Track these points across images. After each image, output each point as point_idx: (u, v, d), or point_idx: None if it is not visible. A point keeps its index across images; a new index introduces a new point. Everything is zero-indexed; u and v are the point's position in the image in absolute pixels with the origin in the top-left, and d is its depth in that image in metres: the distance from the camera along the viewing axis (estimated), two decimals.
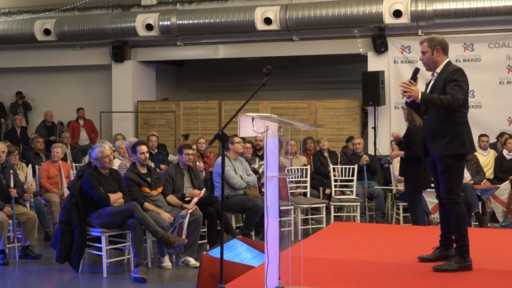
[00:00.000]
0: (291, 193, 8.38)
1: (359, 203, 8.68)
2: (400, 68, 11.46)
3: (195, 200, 6.85)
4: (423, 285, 4.23)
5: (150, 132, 11.22)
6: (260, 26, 11.59)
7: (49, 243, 6.85)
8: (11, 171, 6.96)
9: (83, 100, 13.66)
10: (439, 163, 4.54)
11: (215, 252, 4.54)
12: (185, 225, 6.56)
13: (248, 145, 8.76)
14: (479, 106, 10.75)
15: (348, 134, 11.41)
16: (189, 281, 5.93)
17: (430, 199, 7.96)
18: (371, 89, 11.10)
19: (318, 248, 5.35)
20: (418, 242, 5.55)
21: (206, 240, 7.13)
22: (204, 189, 7.15)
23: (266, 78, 4.12)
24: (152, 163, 8.03)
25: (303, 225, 8.36)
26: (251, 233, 7.50)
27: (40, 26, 12.90)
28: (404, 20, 10.93)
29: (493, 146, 10.17)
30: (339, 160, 9.40)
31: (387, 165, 9.07)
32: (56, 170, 8.34)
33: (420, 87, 4.53)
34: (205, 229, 7.14)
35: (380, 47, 11.45)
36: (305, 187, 8.64)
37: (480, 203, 8.34)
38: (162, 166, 9.36)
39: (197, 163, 8.86)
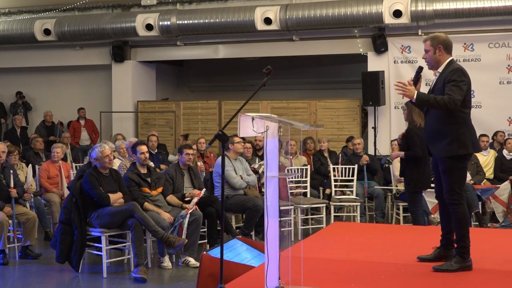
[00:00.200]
0: (291, 193, 8.38)
1: (359, 203, 8.68)
2: (400, 68, 11.46)
3: (195, 200, 6.85)
4: (423, 285, 4.23)
5: (150, 132, 11.23)
6: (260, 26, 11.59)
7: (49, 243, 6.85)
8: (11, 171, 6.96)
9: (83, 100, 13.66)
10: (440, 164, 4.53)
11: (215, 252, 4.53)
12: (185, 225, 6.56)
13: (248, 145, 8.76)
14: (479, 106, 10.75)
15: (348, 134, 11.41)
16: (189, 281, 5.93)
17: (430, 199, 7.96)
18: (371, 89, 11.10)
19: (318, 248, 5.35)
20: (418, 242, 5.55)
21: (206, 240, 7.13)
22: (204, 189, 7.15)
23: (266, 78, 4.12)
24: (152, 163, 8.03)
25: (303, 225, 8.36)
26: (251, 233, 7.50)
27: (40, 26, 12.89)
28: (404, 20, 10.93)
29: (492, 145, 10.18)
30: (339, 160, 9.40)
31: (387, 165, 9.07)
32: (56, 170, 8.34)
33: (423, 88, 4.52)
34: (205, 229, 7.14)
35: (380, 47, 11.45)
36: (305, 187, 8.64)
37: (480, 203, 8.35)
38: (162, 166, 9.36)
39: (198, 163, 8.85)
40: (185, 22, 12.08)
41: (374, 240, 5.73)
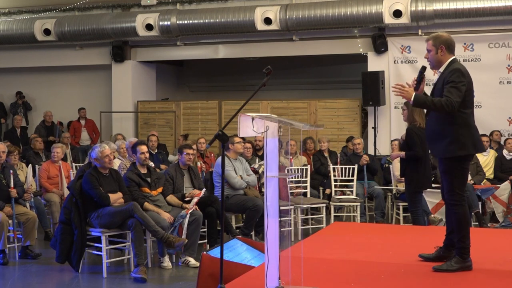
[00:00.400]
0: (291, 193, 8.38)
1: (359, 203, 8.68)
2: (400, 68, 11.47)
3: (195, 200, 6.85)
4: (423, 285, 4.23)
5: (150, 132, 11.23)
6: (260, 26, 11.59)
7: (49, 243, 6.85)
8: (11, 171, 6.96)
9: (83, 100, 13.66)
10: (440, 165, 4.54)
11: (215, 252, 4.53)
12: (185, 225, 6.56)
13: (248, 145, 8.76)
14: (479, 106, 10.74)
15: (348, 134, 11.41)
16: (189, 281, 5.93)
17: (430, 199, 7.97)
18: (371, 89, 11.10)
19: (318, 248, 5.35)
20: (418, 242, 5.55)
21: (206, 240, 7.13)
22: (204, 189, 7.15)
23: (266, 78, 4.12)
24: (152, 163, 8.03)
25: (303, 225, 8.36)
26: (251, 233, 7.50)
27: (40, 26, 12.89)
28: (404, 20, 10.93)
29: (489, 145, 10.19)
30: (339, 160, 9.40)
31: (387, 165, 9.07)
32: (56, 170, 8.34)
33: (427, 88, 4.51)
34: (205, 229, 7.14)
35: (380, 47, 11.45)
36: (305, 187, 8.64)
37: (480, 203, 8.34)
38: (162, 166, 9.36)
39: (198, 163, 8.85)
40: (185, 22, 12.09)
41: (374, 240, 5.73)
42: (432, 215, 7.77)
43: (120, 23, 12.48)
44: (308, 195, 8.66)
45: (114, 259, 6.68)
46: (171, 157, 10.56)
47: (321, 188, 9.57)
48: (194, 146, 9.07)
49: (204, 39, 12.67)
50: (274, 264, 3.87)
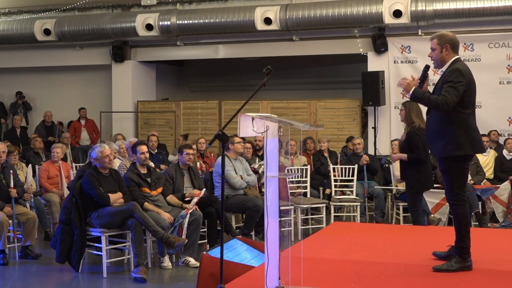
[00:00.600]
0: (291, 193, 8.38)
1: (359, 203, 8.68)
2: (400, 68, 11.46)
3: (195, 200, 6.85)
4: (423, 285, 4.23)
5: (150, 132, 11.23)
6: (260, 26, 11.59)
7: (49, 243, 6.85)
8: (11, 171, 6.96)
9: (83, 100, 13.66)
10: (439, 164, 4.56)
11: (215, 252, 4.53)
12: (185, 225, 6.56)
13: (248, 145, 8.76)
14: (479, 106, 10.74)
15: (348, 134, 11.41)
16: (189, 281, 5.93)
17: (430, 199, 7.97)
18: (371, 89, 11.10)
19: (318, 248, 5.35)
20: (418, 242, 5.56)
21: (206, 240, 7.13)
22: (204, 189, 7.15)
23: (266, 78, 4.12)
24: (152, 163, 8.03)
25: (303, 225, 8.36)
26: (251, 233, 7.50)
27: (40, 26, 12.90)
28: (404, 20, 10.93)
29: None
30: (339, 160, 9.40)
31: (387, 165, 9.07)
32: (56, 170, 8.34)
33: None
34: (205, 229, 7.14)
35: (380, 47, 11.45)
36: (305, 187, 8.64)
37: (480, 203, 8.35)
38: (162, 166, 9.36)
39: (198, 163, 8.85)
40: (185, 22, 12.09)
41: (374, 240, 5.73)
42: (432, 215, 7.77)
43: (120, 23, 12.48)
44: (308, 195, 8.66)
45: (114, 259, 6.68)
46: (171, 157, 10.56)
47: (321, 188, 9.57)
48: (194, 146, 9.07)
49: (204, 39, 12.67)
50: (274, 264, 3.87)
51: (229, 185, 7.52)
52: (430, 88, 4.69)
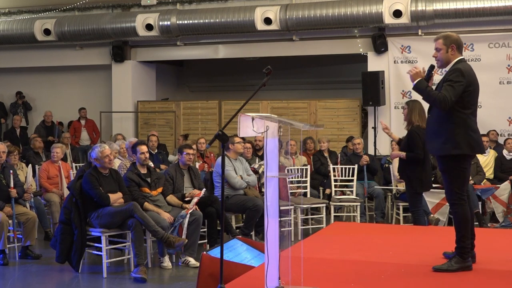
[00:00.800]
0: (291, 193, 8.38)
1: (359, 203, 8.68)
2: (400, 68, 11.46)
3: (195, 200, 6.85)
4: (423, 285, 4.23)
5: (150, 132, 11.23)
6: (260, 26, 11.59)
7: (49, 243, 6.85)
8: (11, 171, 6.96)
9: (83, 100, 13.66)
10: (438, 164, 4.59)
11: (215, 252, 4.54)
12: (185, 225, 6.56)
13: (248, 145, 8.76)
14: (479, 106, 10.50)
15: (348, 134, 11.41)
16: (189, 281, 5.93)
17: (430, 199, 7.97)
18: (371, 89, 11.10)
19: (318, 248, 5.35)
20: (418, 242, 5.56)
21: (206, 240, 7.13)
22: (204, 189, 7.15)
23: (266, 78, 4.12)
24: (152, 163, 8.03)
25: (303, 225, 8.36)
26: (251, 233, 7.50)
27: (40, 26, 12.90)
28: (404, 20, 10.94)
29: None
30: (339, 160, 9.40)
31: (387, 165, 9.07)
32: (56, 170, 8.34)
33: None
34: (205, 229, 7.14)
35: (380, 47, 11.45)
36: (305, 187, 8.64)
37: (480, 203, 8.35)
38: (162, 166, 9.36)
39: (197, 164, 8.85)
40: (185, 22, 12.09)
41: (374, 240, 5.73)
42: (432, 215, 7.76)
43: (120, 23, 12.48)
44: (308, 195, 8.66)
45: (114, 259, 6.68)
46: (171, 157, 10.56)
47: (321, 188, 9.57)
48: (194, 146, 9.07)
49: (204, 39, 12.68)
50: (274, 264, 3.87)
51: (229, 185, 7.52)
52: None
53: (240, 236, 5.84)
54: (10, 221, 6.82)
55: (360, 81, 11.35)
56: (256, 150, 9.29)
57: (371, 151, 11.10)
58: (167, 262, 6.53)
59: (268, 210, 3.90)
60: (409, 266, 4.61)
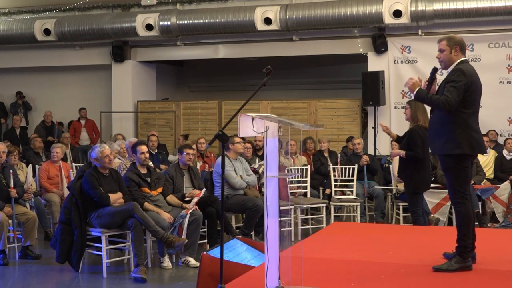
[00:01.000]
0: (291, 193, 8.38)
1: (359, 203, 8.68)
2: (400, 68, 11.47)
3: (195, 200, 6.85)
4: (423, 285, 4.23)
5: (150, 132, 11.23)
6: (260, 26, 11.59)
7: (49, 243, 6.85)
8: (11, 171, 6.96)
9: (83, 100, 13.67)
10: (440, 163, 4.63)
11: (215, 252, 4.53)
12: (185, 225, 6.56)
13: (248, 145, 8.76)
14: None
15: (348, 134, 11.41)
16: (189, 281, 5.93)
17: (430, 199, 7.97)
18: (371, 89, 11.10)
19: (318, 248, 5.35)
20: (418, 242, 5.56)
21: (206, 240, 7.13)
22: (204, 189, 7.15)
23: (266, 78, 4.12)
24: (151, 163, 8.02)
25: (303, 225, 8.36)
26: (251, 233, 7.50)
27: (40, 26, 12.90)
28: (404, 20, 10.94)
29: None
30: (339, 160, 9.40)
31: (387, 165, 9.08)
32: (56, 170, 8.34)
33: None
34: (205, 229, 7.14)
35: (380, 47, 11.46)
36: (305, 187, 8.64)
37: (480, 203, 8.35)
38: (162, 166, 9.36)
39: (198, 164, 8.84)
40: (185, 22, 12.09)
41: (374, 240, 5.73)
42: (432, 215, 7.77)
43: (120, 23, 12.48)
44: (308, 195, 8.66)
45: (114, 259, 6.68)
46: (171, 157, 10.56)
47: (321, 188, 9.57)
48: (194, 146, 9.07)
49: (204, 39, 12.68)
50: (274, 264, 3.87)
51: (229, 185, 7.52)
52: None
53: (240, 236, 5.84)
54: (10, 221, 6.81)
55: (360, 81, 11.35)
56: (256, 150, 9.29)
57: (371, 151, 11.10)
58: (167, 262, 6.53)
59: (268, 210, 3.90)
60: (409, 266, 4.61)
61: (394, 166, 8.27)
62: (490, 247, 5.27)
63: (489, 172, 9.52)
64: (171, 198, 6.98)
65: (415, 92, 4.50)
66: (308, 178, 8.66)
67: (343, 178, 9.00)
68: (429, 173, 6.93)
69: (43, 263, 6.75)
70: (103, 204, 6.30)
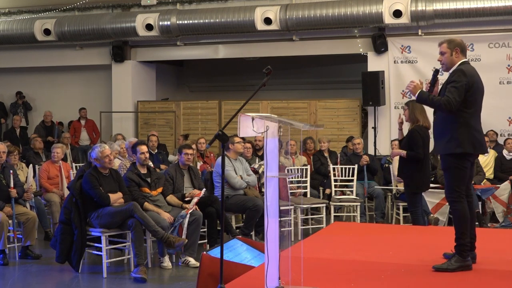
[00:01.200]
0: (291, 193, 8.38)
1: (359, 203, 8.68)
2: (400, 68, 11.47)
3: (195, 200, 6.85)
4: (423, 285, 4.23)
5: (150, 132, 11.23)
6: (260, 26, 11.59)
7: (49, 243, 6.85)
8: (11, 171, 6.96)
9: (83, 100, 13.67)
10: (441, 162, 4.66)
11: (215, 252, 4.53)
12: (185, 225, 6.56)
13: (248, 145, 8.76)
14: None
15: (348, 134, 11.41)
16: (189, 281, 5.93)
17: (430, 199, 7.97)
18: (371, 89, 11.10)
19: (318, 248, 5.35)
20: (418, 242, 5.56)
21: (206, 240, 7.13)
22: (204, 189, 7.15)
23: (266, 78, 4.12)
24: (151, 163, 8.02)
25: (303, 225, 8.36)
26: (251, 233, 7.50)
27: (40, 26, 12.89)
28: (404, 20, 10.94)
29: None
30: (339, 160, 9.40)
31: (387, 165, 9.08)
32: (56, 171, 8.34)
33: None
34: (205, 229, 7.14)
35: (380, 47, 11.45)
36: (305, 187, 8.64)
37: (480, 203, 8.35)
38: (162, 166, 9.36)
39: (199, 164, 8.84)
40: (185, 22, 12.08)
41: (374, 240, 5.74)
42: (432, 215, 7.77)
43: (120, 23, 12.48)
44: (308, 195, 8.66)
45: (114, 259, 6.68)
46: (171, 157, 10.56)
47: (321, 188, 9.57)
48: (194, 146, 9.06)
49: (204, 39, 12.67)
50: (274, 264, 3.87)
51: (229, 185, 7.52)
52: None
53: (240, 236, 5.84)
54: (10, 221, 6.81)
55: (360, 81, 11.35)
56: (256, 150, 9.29)
57: (371, 151, 11.10)
58: (167, 262, 6.53)
59: (268, 210, 3.90)
60: (409, 266, 4.61)
61: (394, 166, 8.27)
62: (490, 247, 5.27)
63: (489, 172, 9.52)
64: (171, 198, 6.98)
65: (416, 95, 4.56)
66: (308, 178, 8.66)
67: (343, 178, 9.00)
68: (429, 173, 6.94)
69: (43, 263, 6.76)
70: (103, 204, 6.30)
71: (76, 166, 9.18)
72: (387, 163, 9.11)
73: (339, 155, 9.99)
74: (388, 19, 10.97)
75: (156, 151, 10.09)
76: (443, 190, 7.78)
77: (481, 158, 9.37)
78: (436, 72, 4.67)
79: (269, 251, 3.88)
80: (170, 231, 6.49)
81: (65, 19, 12.87)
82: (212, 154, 10.13)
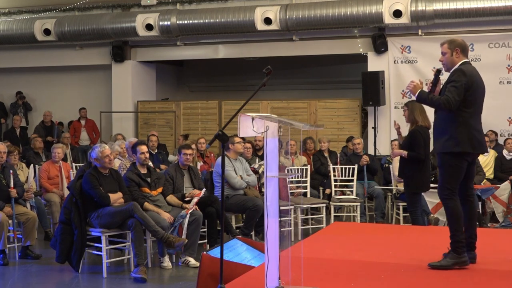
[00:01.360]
0: (291, 193, 8.38)
1: (359, 203, 8.68)
2: (400, 68, 11.47)
3: (195, 200, 6.85)
4: (423, 285, 4.23)
5: (150, 132, 11.23)
6: (260, 26, 11.59)
7: (49, 243, 6.85)
8: (11, 171, 6.96)
9: (83, 100, 13.67)
10: (437, 160, 4.68)
11: (215, 252, 4.54)
12: (185, 225, 6.56)
13: (248, 145, 8.76)
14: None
15: (348, 134, 11.41)
16: (189, 281, 5.93)
17: (430, 199, 7.96)
18: (371, 89, 11.10)
19: (318, 248, 5.35)
20: (418, 242, 5.56)
21: (206, 240, 7.13)
22: (204, 189, 7.15)
23: (266, 78, 4.12)
24: (151, 163, 8.02)
25: (303, 225, 8.36)
26: (251, 233, 7.50)
27: (40, 26, 12.89)
28: (404, 20, 10.94)
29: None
30: (339, 160, 9.40)
31: (387, 165, 9.07)
32: (56, 171, 8.34)
33: None
34: (205, 229, 7.14)
35: (380, 47, 11.45)
36: (305, 187, 8.64)
37: (480, 203, 8.34)
38: (162, 166, 9.36)
39: (199, 164, 8.84)
40: (185, 22, 12.09)
41: (374, 240, 5.74)
42: (432, 215, 7.76)
43: (120, 23, 12.48)
44: (308, 195, 8.66)
45: (114, 259, 6.68)
46: (171, 157, 10.56)
47: (321, 188, 9.57)
48: (194, 146, 9.06)
49: (204, 39, 12.68)
50: (274, 264, 3.87)
51: (229, 185, 7.52)
52: None
53: (240, 236, 5.84)
54: (10, 221, 6.82)
55: (360, 81, 11.35)
56: (256, 150, 9.29)
57: (371, 151, 11.10)
58: (167, 262, 6.54)
59: (268, 210, 3.90)
60: (409, 266, 4.61)
61: (394, 166, 8.27)
62: (490, 247, 5.28)
63: (489, 172, 9.52)
64: (171, 198, 6.98)
65: (416, 95, 4.59)
66: (308, 178, 8.66)
67: (343, 178, 9.00)
68: (429, 174, 6.94)
69: (43, 263, 6.76)
70: (103, 204, 6.30)
71: (76, 166, 9.18)
72: (387, 163, 9.11)
73: (339, 155, 9.99)
74: (388, 19, 10.97)
75: (156, 151, 10.09)
76: None
77: (481, 158, 9.37)
78: (438, 72, 4.69)
79: (269, 251, 3.88)
80: (170, 231, 6.49)
81: (65, 19, 12.87)
82: (212, 154, 10.13)
